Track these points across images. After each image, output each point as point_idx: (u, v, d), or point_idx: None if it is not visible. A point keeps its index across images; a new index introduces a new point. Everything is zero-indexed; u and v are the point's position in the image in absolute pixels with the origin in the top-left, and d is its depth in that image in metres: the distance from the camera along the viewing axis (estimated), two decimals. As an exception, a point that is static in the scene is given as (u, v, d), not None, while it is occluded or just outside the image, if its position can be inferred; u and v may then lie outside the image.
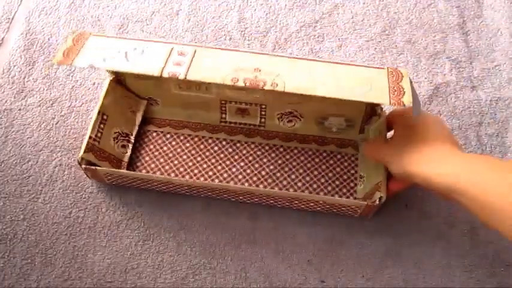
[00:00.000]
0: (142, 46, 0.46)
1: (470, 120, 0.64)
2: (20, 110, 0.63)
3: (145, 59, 0.45)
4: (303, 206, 0.54)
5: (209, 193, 0.54)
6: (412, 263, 0.54)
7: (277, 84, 0.43)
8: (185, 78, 0.43)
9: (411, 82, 0.44)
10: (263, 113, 0.60)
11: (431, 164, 0.43)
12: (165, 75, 0.43)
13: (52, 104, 0.64)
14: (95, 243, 0.54)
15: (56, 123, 0.62)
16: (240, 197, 0.54)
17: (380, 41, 0.70)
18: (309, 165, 0.58)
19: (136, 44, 0.47)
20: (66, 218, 0.56)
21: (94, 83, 0.66)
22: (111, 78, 0.58)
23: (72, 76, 0.66)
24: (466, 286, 0.52)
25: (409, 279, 0.53)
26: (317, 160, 0.59)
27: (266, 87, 0.42)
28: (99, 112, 0.55)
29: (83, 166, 0.52)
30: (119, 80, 0.59)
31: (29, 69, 0.66)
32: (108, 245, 0.54)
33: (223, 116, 0.61)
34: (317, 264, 0.53)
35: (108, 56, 0.46)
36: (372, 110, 0.57)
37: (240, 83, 0.42)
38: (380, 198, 0.50)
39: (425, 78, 0.67)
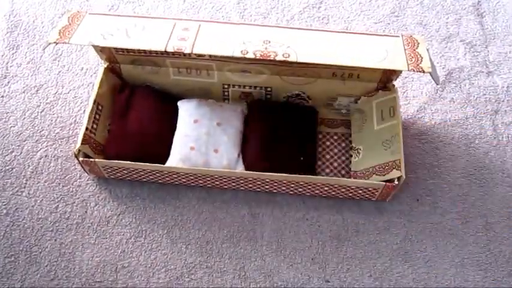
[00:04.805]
0: (143, 22, 0.45)
1: (485, 108, 0.60)
2: (2, 97, 0.59)
3: (148, 35, 0.43)
4: (317, 192, 0.51)
5: (214, 181, 0.51)
6: (423, 262, 0.50)
7: (289, 55, 0.41)
8: (191, 52, 0.42)
9: (428, 50, 0.42)
10: (268, 96, 0.57)
11: None
12: (170, 49, 0.42)
13: (37, 91, 0.60)
14: (83, 240, 0.51)
15: (42, 111, 0.58)
16: (249, 185, 0.51)
17: (389, 23, 0.66)
18: (319, 149, 0.56)
19: (136, 21, 0.45)
20: (52, 213, 0.52)
21: (82, 68, 0.62)
22: (105, 66, 0.54)
23: (58, 61, 0.62)
24: (481, 286, 0.49)
25: (419, 278, 0.50)
26: (328, 143, 0.56)
27: (278, 58, 0.41)
28: (94, 102, 0.52)
29: (81, 159, 0.49)
30: (113, 68, 0.55)
31: (13, 54, 0.62)
32: (97, 242, 0.51)
33: (226, 101, 0.57)
34: (321, 262, 0.50)
35: (108, 33, 0.44)
36: (383, 88, 0.54)
37: (250, 55, 0.41)
38: (399, 178, 0.47)
39: (438, 63, 0.63)
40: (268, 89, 0.56)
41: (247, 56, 0.41)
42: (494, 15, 0.67)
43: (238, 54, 0.41)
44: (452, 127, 0.58)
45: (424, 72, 0.40)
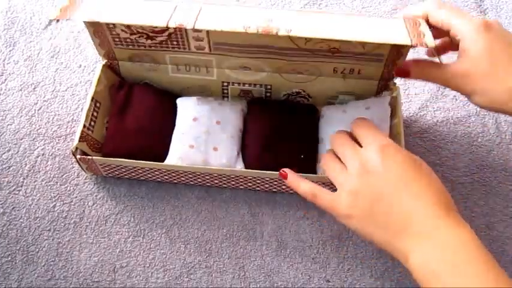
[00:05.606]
0: (145, 3, 0.44)
1: (488, 105, 0.59)
2: (-1, 94, 0.59)
3: (149, 14, 0.43)
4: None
5: (213, 180, 0.51)
6: (425, 261, 0.50)
7: (291, 30, 0.40)
8: (193, 27, 0.41)
9: (431, 29, 0.41)
10: (268, 94, 0.56)
11: None
12: (172, 25, 0.41)
13: (34, 88, 0.59)
14: (80, 240, 0.50)
15: (39, 109, 0.58)
16: (249, 184, 0.51)
17: (390, 20, 0.65)
18: None
19: (137, 2, 0.44)
20: (50, 212, 0.52)
21: (80, 66, 0.61)
22: (103, 63, 0.54)
23: (56, 58, 0.61)
24: (483, 286, 0.49)
25: (421, 278, 0.49)
26: None
27: (280, 33, 0.40)
28: (92, 99, 0.51)
29: (78, 156, 0.48)
30: (111, 65, 0.55)
31: (10, 51, 0.62)
32: (95, 242, 0.50)
33: (225, 99, 0.57)
34: (322, 262, 0.50)
35: (109, 12, 0.43)
36: (385, 86, 0.53)
37: (252, 30, 0.40)
38: None
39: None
40: (268, 87, 0.55)
41: (250, 30, 0.40)
42: (497, 12, 0.66)
43: (240, 29, 0.41)
44: (454, 125, 0.58)
45: (427, 47, 0.39)
